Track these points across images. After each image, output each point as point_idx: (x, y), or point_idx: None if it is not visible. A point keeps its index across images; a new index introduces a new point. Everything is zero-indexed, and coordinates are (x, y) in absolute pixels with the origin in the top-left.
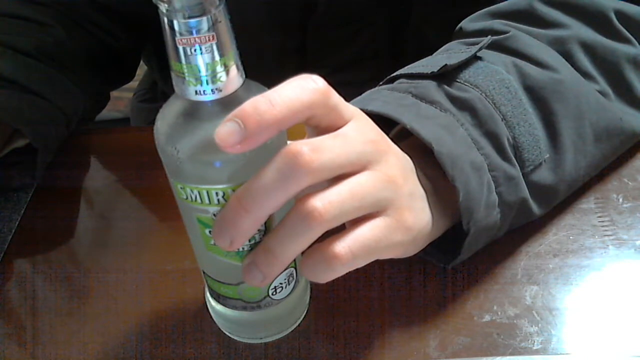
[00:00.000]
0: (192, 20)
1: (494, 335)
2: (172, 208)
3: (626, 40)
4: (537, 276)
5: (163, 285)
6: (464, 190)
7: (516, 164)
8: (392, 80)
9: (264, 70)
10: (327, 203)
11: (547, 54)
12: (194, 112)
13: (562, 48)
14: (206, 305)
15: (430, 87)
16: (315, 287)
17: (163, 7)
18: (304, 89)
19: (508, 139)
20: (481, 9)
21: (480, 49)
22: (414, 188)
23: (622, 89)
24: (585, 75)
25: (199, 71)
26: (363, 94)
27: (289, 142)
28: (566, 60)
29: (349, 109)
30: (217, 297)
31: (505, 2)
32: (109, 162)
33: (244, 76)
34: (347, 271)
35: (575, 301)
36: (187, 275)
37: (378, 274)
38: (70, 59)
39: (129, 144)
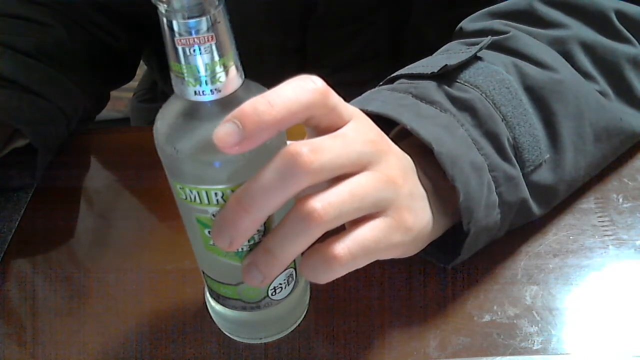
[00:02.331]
0: (191, 21)
1: (494, 335)
2: (172, 208)
3: (626, 40)
4: (537, 276)
5: (163, 285)
6: (464, 190)
7: (516, 164)
8: (392, 81)
9: (264, 70)
10: (327, 204)
11: (547, 54)
12: (193, 113)
13: (562, 48)
14: (206, 305)
15: (430, 88)
16: (315, 287)
17: (162, 8)
18: (303, 90)
19: (508, 139)
20: (481, 9)
21: (480, 49)
22: (414, 188)
23: (622, 89)
24: (585, 75)
25: (198, 71)
26: (363, 94)
27: (288, 142)
28: (566, 60)
29: (349, 110)
30: (217, 297)
31: (505, 2)
32: (109, 162)
33: (243, 76)
34: (347, 272)
35: (575, 301)
36: (187, 275)
37: (378, 274)
38: (70, 59)
39: (129, 144)
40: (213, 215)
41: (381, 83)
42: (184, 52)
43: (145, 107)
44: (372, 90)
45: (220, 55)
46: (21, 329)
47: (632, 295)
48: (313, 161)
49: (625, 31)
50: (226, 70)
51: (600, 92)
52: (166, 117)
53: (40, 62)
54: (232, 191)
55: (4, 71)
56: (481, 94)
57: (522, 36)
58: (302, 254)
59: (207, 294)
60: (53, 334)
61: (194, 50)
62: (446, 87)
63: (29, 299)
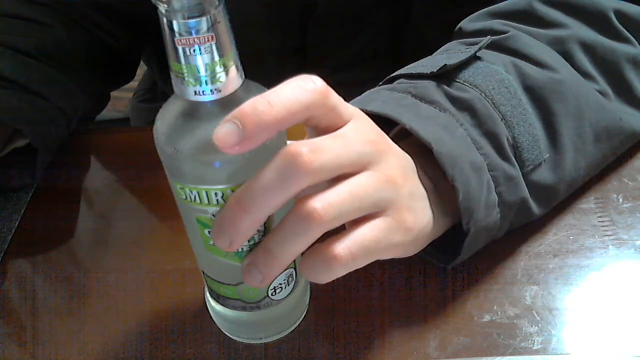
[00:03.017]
0: (191, 21)
1: (494, 335)
2: (172, 208)
3: (626, 40)
4: (537, 276)
5: (163, 285)
6: (463, 190)
7: (516, 163)
8: (391, 81)
9: (264, 70)
10: (327, 204)
11: (547, 54)
12: (193, 113)
13: (561, 48)
14: (206, 305)
15: (429, 87)
16: (315, 287)
17: (162, 8)
18: (303, 90)
19: (507, 139)
20: (481, 9)
21: (479, 49)
22: (414, 188)
23: (621, 88)
24: (585, 75)
25: (198, 71)
26: (362, 94)
27: (288, 142)
28: (566, 60)
29: (349, 109)
30: (217, 297)
31: (505, 2)
32: (109, 162)
33: (243, 76)
34: (347, 272)
35: (575, 301)
36: (187, 275)
37: (378, 274)
38: (70, 58)
39: (129, 144)
40: (213, 215)
41: (380, 83)
42: (184, 52)
43: (145, 107)
44: (372, 90)
45: (220, 55)
46: (21, 329)
47: (632, 295)
48: (313, 161)
49: (624, 31)
50: (226, 70)
51: (600, 92)
52: (166, 117)
53: (40, 62)
54: (232, 191)
55: (4, 71)
56: (480, 94)
57: (521, 36)
58: (302, 254)
59: (207, 294)
60: (53, 334)
61: (194, 50)
62: (445, 87)
63: (29, 299)
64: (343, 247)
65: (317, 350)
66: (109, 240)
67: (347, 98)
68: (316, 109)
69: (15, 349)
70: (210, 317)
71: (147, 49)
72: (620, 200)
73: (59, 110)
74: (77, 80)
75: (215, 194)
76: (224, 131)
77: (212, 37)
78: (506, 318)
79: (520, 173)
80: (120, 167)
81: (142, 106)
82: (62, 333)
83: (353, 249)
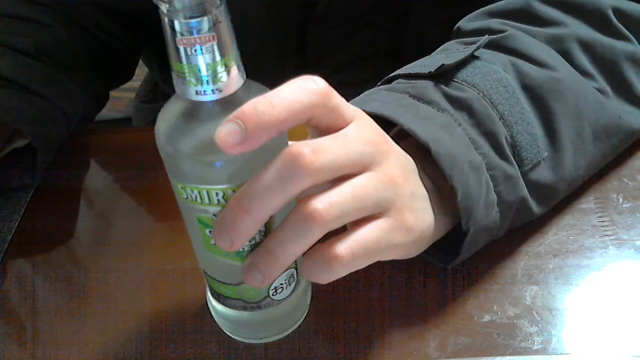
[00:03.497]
0: (193, 21)
1: (494, 335)
2: (172, 208)
3: (625, 38)
4: (537, 276)
5: (163, 285)
6: (462, 190)
7: (514, 163)
8: (390, 81)
9: (264, 70)
10: (328, 204)
11: (545, 53)
12: (194, 113)
13: (560, 46)
14: (207, 305)
15: (427, 87)
16: (315, 288)
17: (164, 8)
18: (305, 90)
19: (506, 138)
20: (480, 9)
21: (477, 49)
22: (415, 188)
23: (621, 86)
24: (584, 73)
25: (200, 71)
26: (361, 95)
27: (289, 142)
28: (564, 58)
29: (350, 110)
30: (218, 297)
31: (503, 1)
32: (109, 162)
33: (244, 76)
34: (348, 272)
35: (575, 301)
36: (187, 275)
37: (378, 274)
38: (70, 58)
39: (129, 144)
40: (214, 215)
41: (379, 83)
42: (186, 52)
43: (147, 107)
44: (370, 90)
45: (222, 55)
46: (21, 329)
47: (632, 295)
48: (314, 161)
49: (623, 29)
50: (227, 70)
51: (599, 90)
52: (167, 117)
53: (40, 62)
54: (233, 191)
55: (4, 71)
56: (478, 93)
57: (519, 35)
58: (304, 254)
59: (209, 294)
60: (53, 334)
61: (196, 50)
62: (443, 87)
63: (29, 299)
64: (344, 247)
65: (317, 350)
66: (109, 240)
67: (347, 98)
68: (318, 110)
69: (15, 349)
70: (211, 317)
71: (147, 49)
72: (620, 200)
73: (59, 110)
74: (77, 80)
75: (217, 193)
76: (225, 131)
77: (213, 37)
78: (506, 318)
79: (519, 172)
80: (120, 167)
81: (143, 107)
82: (62, 333)
83: (354, 249)
